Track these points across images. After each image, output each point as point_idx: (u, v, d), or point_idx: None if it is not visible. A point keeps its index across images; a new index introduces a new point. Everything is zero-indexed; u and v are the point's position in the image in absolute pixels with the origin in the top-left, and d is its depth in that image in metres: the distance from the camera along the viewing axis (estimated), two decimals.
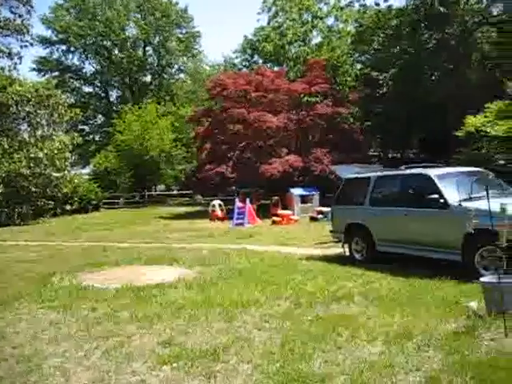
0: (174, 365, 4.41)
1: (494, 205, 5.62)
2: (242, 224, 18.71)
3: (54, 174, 25.47)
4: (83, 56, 48.97)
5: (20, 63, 26.36)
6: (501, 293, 4.92)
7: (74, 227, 21.25)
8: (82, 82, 50.38)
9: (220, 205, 23.03)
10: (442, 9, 22.24)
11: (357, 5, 31.18)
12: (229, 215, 21.23)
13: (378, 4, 27.12)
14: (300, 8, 35.94)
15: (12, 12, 25.18)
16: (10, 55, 25.26)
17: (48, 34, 46.30)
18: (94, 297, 7.14)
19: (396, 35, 25.30)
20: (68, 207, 29.76)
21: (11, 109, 24.55)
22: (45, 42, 46.30)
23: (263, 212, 21.45)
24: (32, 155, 24.43)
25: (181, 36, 50.12)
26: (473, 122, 15.68)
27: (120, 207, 36.05)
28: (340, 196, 10.40)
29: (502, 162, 13.60)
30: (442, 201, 7.70)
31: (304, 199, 21.96)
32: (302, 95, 27.22)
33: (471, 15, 22.88)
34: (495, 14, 22.60)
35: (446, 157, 17.53)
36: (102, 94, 51.36)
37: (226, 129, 26.22)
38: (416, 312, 5.58)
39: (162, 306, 6.47)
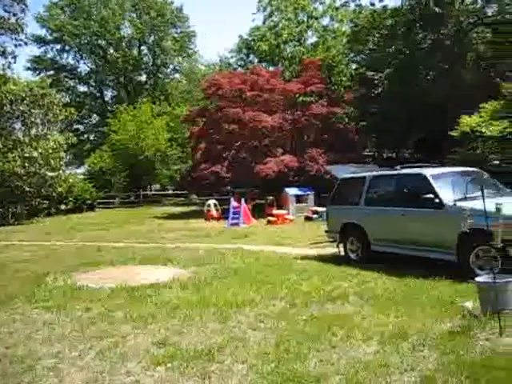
0: (169, 365, 4.39)
1: (489, 205, 5.63)
2: (237, 224, 18.68)
3: (49, 174, 25.31)
4: (78, 55, 48.70)
5: (14, 62, 26.28)
6: (496, 292, 4.94)
7: (68, 227, 21.14)
8: (76, 81, 50.07)
9: (215, 204, 22.97)
10: (437, 9, 22.26)
11: (352, 5, 31.14)
12: (224, 215, 21.23)
13: (373, 4, 27.13)
14: (295, 8, 35.90)
15: (6, 11, 24.98)
16: (4, 54, 25.04)
17: (42, 32, 46.07)
18: (89, 297, 7.11)
19: (391, 35, 25.30)
20: (63, 207, 29.59)
21: (5, 108, 24.35)
22: (39, 40, 45.95)
23: (258, 212, 21.42)
24: (26, 154, 24.28)
25: (176, 35, 49.93)
26: (468, 122, 15.74)
27: (115, 207, 35.88)
28: (335, 196, 10.41)
29: (496, 162, 13.60)
30: (437, 201, 7.72)
31: (299, 199, 21.96)
32: (297, 95, 27.21)
33: (466, 15, 22.92)
34: (490, 14, 22.70)
35: (441, 157, 17.55)
36: (97, 94, 51.10)
37: (221, 128, 26.14)
38: (411, 312, 5.58)
39: (156, 306, 6.45)
